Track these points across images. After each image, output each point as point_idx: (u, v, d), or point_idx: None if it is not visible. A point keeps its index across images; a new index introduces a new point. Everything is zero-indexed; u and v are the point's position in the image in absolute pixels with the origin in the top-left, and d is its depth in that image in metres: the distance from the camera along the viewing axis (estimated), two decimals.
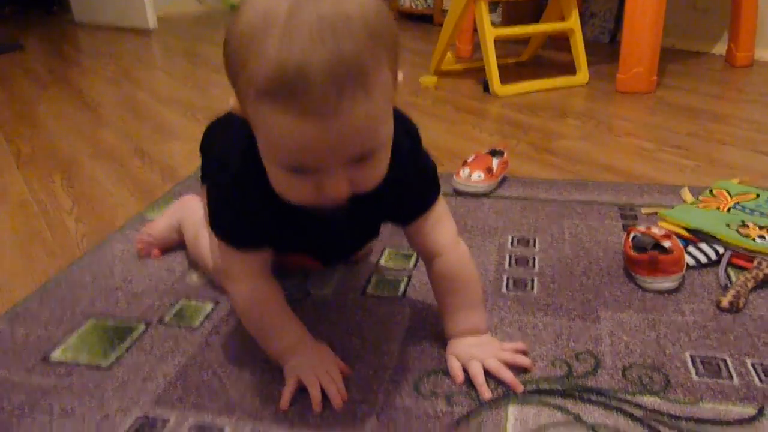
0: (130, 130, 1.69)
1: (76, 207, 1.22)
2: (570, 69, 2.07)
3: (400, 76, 0.57)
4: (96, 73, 2.38)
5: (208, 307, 0.86)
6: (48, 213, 1.20)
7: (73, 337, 0.81)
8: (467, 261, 0.73)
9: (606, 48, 2.61)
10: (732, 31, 2.21)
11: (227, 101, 0.57)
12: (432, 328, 0.79)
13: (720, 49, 2.35)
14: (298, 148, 0.51)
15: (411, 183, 0.67)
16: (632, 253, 0.88)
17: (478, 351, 0.71)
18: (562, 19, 2.09)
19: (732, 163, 1.32)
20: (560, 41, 2.36)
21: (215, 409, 0.67)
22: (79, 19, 3.60)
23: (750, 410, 0.64)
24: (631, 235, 0.92)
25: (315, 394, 0.66)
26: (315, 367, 0.68)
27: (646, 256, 0.85)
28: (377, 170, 0.57)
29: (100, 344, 0.79)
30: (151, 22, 3.25)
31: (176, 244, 1.00)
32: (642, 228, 0.93)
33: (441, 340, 0.76)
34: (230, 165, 0.64)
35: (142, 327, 0.82)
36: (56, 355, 0.77)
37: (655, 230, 0.92)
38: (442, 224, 0.72)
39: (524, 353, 0.73)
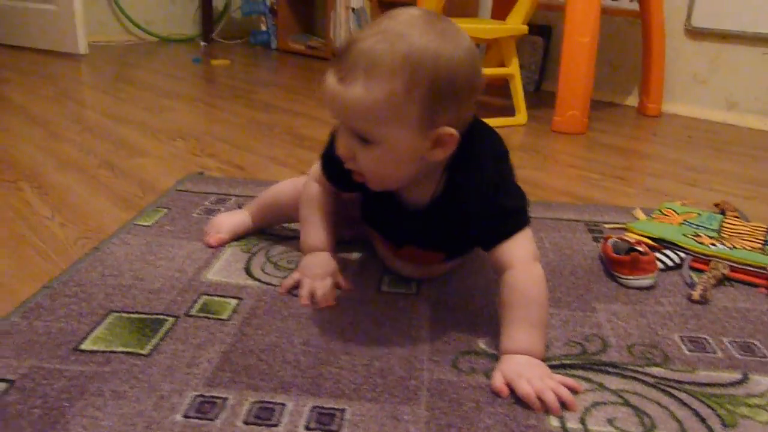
0: (90, 146, 1.65)
1: (57, 214, 1.19)
2: (508, 111, 2.24)
3: (451, 130, 0.71)
4: (33, 92, 2.29)
5: (233, 302, 0.88)
6: (27, 219, 1.17)
7: (99, 328, 0.80)
8: (539, 282, 0.75)
9: (532, 96, 2.84)
10: (643, 85, 2.50)
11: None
12: (453, 316, 0.87)
13: (632, 101, 2.64)
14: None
15: (493, 210, 0.76)
16: (615, 255, 1.00)
17: (526, 370, 0.70)
18: (501, 65, 2.29)
19: (666, 191, 1.51)
20: (495, 87, 2.56)
21: (271, 388, 0.70)
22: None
23: (737, 375, 0.76)
24: (610, 241, 1.04)
25: (302, 294, 0.88)
26: (314, 274, 0.89)
27: (628, 257, 0.97)
28: (375, 162, 0.72)
29: (131, 335, 0.79)
30: (82, 47, 3.18)
31: (240, 237, 1.08)
32: (616, 236, 1.06)
33: (464, 325, 0.84)
34: None
35: (171, 320, 0.83)
36: (87, 345, 0.77)
37: (627, 238, 1.05)
38: (519, 243, 0.76)
39: (573, 390, 0.70)
